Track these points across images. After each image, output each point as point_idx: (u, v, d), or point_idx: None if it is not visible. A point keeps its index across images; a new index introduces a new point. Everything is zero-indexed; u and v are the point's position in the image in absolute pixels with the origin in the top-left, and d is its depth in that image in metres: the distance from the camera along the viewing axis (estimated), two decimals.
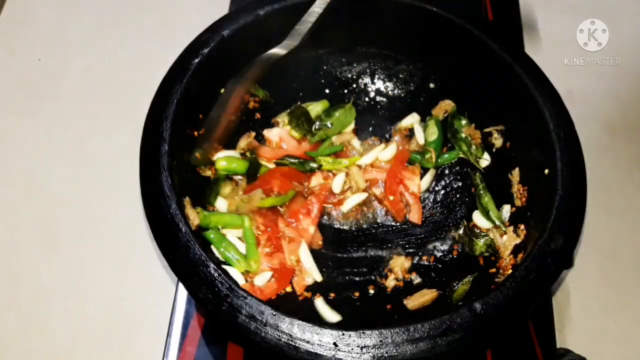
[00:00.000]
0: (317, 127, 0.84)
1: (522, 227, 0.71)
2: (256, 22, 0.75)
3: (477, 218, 0.76)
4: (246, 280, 0.68)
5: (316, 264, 0.73)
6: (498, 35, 0.76)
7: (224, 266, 0.66)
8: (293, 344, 0.54)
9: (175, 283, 0.76)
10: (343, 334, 0.55)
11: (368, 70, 0.88)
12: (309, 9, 0.75)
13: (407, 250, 0.77)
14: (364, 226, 0.79)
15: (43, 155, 0.87)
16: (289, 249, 0.73)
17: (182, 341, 0.72)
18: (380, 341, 0.55)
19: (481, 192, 0.78)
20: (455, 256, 0.76)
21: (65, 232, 0.81)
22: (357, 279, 0.74)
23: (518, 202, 0.74)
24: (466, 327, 0.56)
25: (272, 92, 0.84)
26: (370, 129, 0.86)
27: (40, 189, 0.84)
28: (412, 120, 0.85)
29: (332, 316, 0.68)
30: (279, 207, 0.76)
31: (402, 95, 0.87)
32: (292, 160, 0.80)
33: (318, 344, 0.54)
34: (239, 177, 0.77)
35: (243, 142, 0.80)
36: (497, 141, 0.80)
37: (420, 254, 0.76)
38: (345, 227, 0.79)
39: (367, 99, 0.88)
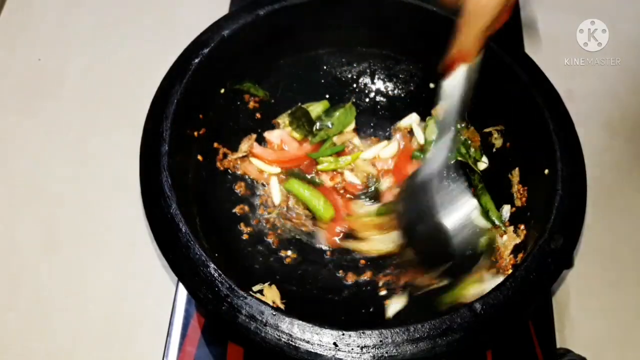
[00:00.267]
0: (317, 127, 0.84)
1: (522, 227, 0.71)
2: (256, 22, 0.75)
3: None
4: None
5: None
6: (498, 35, 0.76)
7: None
8: (293, 344, 0.54)
9: (175, 283, 0.76)
10: (343, 334, 0.55)
11: (368, 70, 0.88)
12: (308, 9, 0.75)
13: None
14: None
15: (43, 155, 0.87)
16: None
17: (182, 341, 0.72)
18: (380, 341, 0.55)
19: (480, 192, 0.78)
20: None
21: (65, 232, 0.81)
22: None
23: (518, 202, 0.74)
24: (466, 327, 0.56)
25: (272, 92, 0.84)
26: (371, 129, 0.86)
27: (40, 189, 0.84)
28: (410, 120, 0.85)
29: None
30: None
31: (402, 95, 0.87)
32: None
33: (318, 344, 0.54)
34: None
35: (244, 145, 0.81)
36: (497, 141, 0.80)
37: None
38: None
39: (367, 99, 0.88)
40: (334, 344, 0.54)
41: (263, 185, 0.80)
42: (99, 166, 0.86)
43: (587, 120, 0.91)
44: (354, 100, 0.87)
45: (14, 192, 0.84)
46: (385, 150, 0.83)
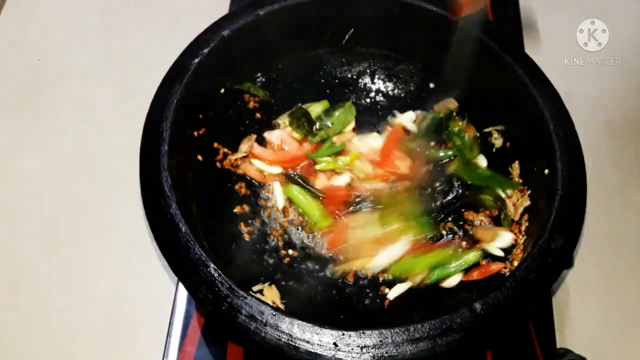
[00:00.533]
0: (317, 127, 0.84)
1: (526, 217, 0.71)
2: (256, 22, 0.75)
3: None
4: None
5: None
6: (498, 35, 0.76)
7: None
8: (293, 344, 0.54)
9: (175, 283, 0.76)
10: (343, 334, 0.55)
11: (368, 70, 0.88)
12: (309, 8, 0.75)
13: None
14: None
15: (43, 155, 0.87)
16: None
17: (182, 341, 0.72)
18: (380, 341, 0.55)
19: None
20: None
21: (65, 232, 0.81)
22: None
23: (517, 196, 0.74)
24: (466, 327, 0.56)
25: (272, 92, 0.84)
26: (371, 129, 0.86)
27: (40, 189, 0.84)
28: (406, 117, 0.85)
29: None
30: None
31: (402, 95, 0.88)
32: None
33: (318, 344, 0.54)
34: None
35: (244, 146, 0.81)
36: (497, 141, 0.80)
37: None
38: None
39: (367, 99, 0.88)
40: (334, 344, 0.54)
41: (262, 185, 0.80)
42: (99, 166, 0.86)
43: (587, 120, 0.91)
44: (353, 100, 0.87)
45: (14, 192, 0.84)
46: (377, 140, 0.83)
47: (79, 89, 0.94)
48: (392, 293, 0.72)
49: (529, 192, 0.73)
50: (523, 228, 0.71)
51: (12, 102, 0.92)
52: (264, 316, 0.55)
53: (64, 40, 0.99)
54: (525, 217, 0.71)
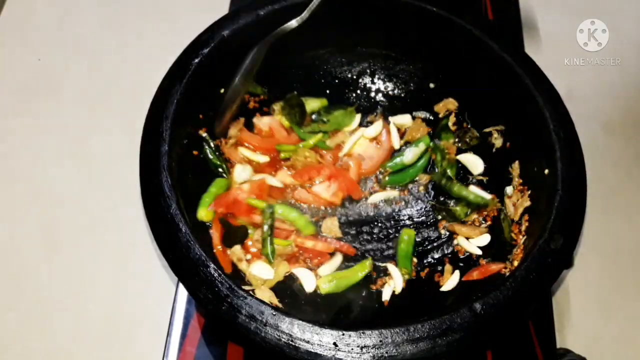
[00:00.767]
0: (313, 119, 0.84)
1: (526, 217, 0.71)
2: (256, 22, 0.75)
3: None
4: None
5: None
6: (498, 35, 0.76)
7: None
8: (293, 344, 0.54)
9: (175, 283, 0.76)
10: (343, 334, 0.55)
11: (368, 70, 0.88)
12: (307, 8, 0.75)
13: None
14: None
15: (43, 155, 0.87)
16: None
17: (182, 341, 0.72)
18: (380, 341, 0.55)
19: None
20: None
21: (65, 232, 0.81)
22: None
23: (517, 197, 0.74)
24: (466, 327, 0.56)
25: (272, 92, 0.84)
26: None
27: (40, 189, 0.84)
28: (404, 120, 0.85)
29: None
30: None
31: (402, 95, 0.87)
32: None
33: (318, 344, 0.54)
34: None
35: (233, 130, 0.80)
36: (497, 141, 0.80)
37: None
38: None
39: (367, 99, 0.88)
40: (334, 344, 0.55)
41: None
42: (99, 166, 0.86)
43: (587, 120, 0.91)
44: (354, 100, 0.87)
45: (14, 192, 0.84)
46: (369, 130, 0.83)
47: (79, 89, 0.94)
48: (386, 293, 0.72)
49: (529, 192, 0.73)
50: (523, 228, 0.71)
51: (12, 102, 0.92)
52: (264, 316, 0.55)
53: (64, 40, 0.99)
54: (525, 217, 0.71)
